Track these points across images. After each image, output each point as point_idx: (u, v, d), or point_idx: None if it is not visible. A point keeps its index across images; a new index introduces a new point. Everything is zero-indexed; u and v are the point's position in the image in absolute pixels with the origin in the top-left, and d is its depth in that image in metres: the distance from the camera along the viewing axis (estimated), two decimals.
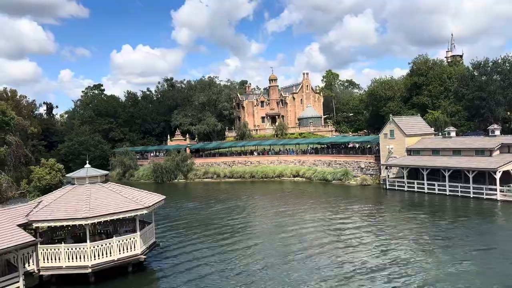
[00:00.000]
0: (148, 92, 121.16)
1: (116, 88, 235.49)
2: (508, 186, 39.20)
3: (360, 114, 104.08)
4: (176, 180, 72.83)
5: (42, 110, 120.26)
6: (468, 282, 19.25)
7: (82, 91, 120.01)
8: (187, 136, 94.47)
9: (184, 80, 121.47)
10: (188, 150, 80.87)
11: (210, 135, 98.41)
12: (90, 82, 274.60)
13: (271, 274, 21.83)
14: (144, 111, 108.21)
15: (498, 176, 38.76)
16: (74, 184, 23.42)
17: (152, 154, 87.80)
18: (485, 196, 39.73)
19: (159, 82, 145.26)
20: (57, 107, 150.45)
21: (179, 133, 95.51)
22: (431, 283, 19.30)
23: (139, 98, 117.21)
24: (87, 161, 26.09)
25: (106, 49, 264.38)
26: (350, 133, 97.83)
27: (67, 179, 26.91)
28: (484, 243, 25.61)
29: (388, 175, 51.50)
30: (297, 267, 22.85)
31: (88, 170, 23.82)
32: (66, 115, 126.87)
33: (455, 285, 18.94)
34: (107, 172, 27.34)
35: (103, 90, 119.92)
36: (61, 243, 21.49)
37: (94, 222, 21.74)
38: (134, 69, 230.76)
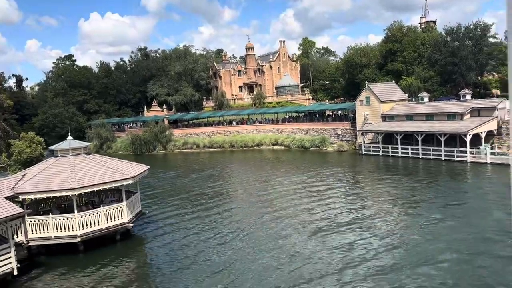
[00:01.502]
0: (121, 62, 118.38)
1: (86, 59, 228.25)
2: (478, 148, 41.18)
3: (337, 81, 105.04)
4: (155, 152, 72.80)
5: (12, 82, 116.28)
6: (441, 234, 20.74)
7: (53, 62, 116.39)
8: (164, 106, 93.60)
9: (159, 49, 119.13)
10: (166, 121, 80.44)
11: (188, 106, 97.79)
12: (59, 53, 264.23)
13: (250, 235, 23.09)
14: (118, 81, 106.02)
15: (468, 139, 40.60)
16: (58, 156, 23.48)
17: (129, 126, 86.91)
18: (456, 158, 41.68)
19: (132, 52, 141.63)
20: (26, 79, 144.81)
21: (156, 104, 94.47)
22: (404, 238, 20.70)
23: (112, 68, 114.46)
24: (69, 133, 26.02)
25: (74, 17, 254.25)
26: (327, 101, 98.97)
27: (49, 152, 26.85)
28: (455, 200, 27.31)
29: (364, 141, 53.03)
30: (273, 225, 24.32)
31: (70, 142, 23.85)
32: (37, 87, 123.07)
33: (428, 238, 20.38)
34: (90, 143, 27.36)
35: (75, 61, 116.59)
36: (48, 215, 21.79)
37: (81, 193, 22.01)
38: (104, 38, 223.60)
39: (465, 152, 41.10)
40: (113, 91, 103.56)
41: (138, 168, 24.78)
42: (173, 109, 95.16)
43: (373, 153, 50.32)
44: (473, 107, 44.59)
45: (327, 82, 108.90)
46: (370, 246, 20.12)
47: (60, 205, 25.47)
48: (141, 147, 72.31)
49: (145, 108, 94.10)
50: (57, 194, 21.28)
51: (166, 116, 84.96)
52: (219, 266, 19.00)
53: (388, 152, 48.52)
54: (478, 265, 16.97)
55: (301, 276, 17.36)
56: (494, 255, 17.71)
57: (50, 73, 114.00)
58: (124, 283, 18.20)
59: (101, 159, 24.23)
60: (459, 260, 17.66)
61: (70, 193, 20.68)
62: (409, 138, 47.65)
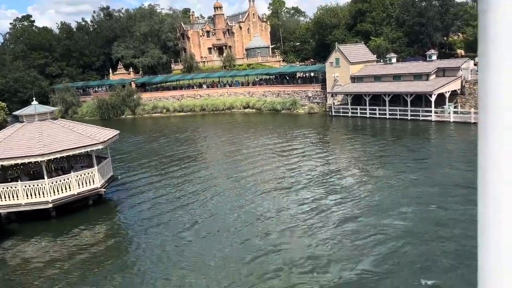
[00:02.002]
0: (83, 23, 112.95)
1: (45, 19, 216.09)
2: (442, 108, 42.64)
3: (307, 43, 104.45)
4: (123, 116, 71.30)
5: None
6: (405, 189, 21.81)
7: (10, 23, 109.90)
8: (131, 69, 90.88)
9: (122, 8, 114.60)
10: (133, 85, 78.38)
11: (155, 68, 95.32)
12: (15, 13, 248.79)
13: (221, 194, 23.72)
14: (81, 43, 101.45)
15: (433, 98, 41.88)
16: (23, 122, 22.73)
17: (94, 90, 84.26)
18: (421, 118, 43.10)
19: (94, 12, 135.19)
20: None
21: (122, 66, 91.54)
22: (370, 192, 21.67)
23: (74, 29, 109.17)
24: (33, 98, 25.11)
25: None
26: (298, 62, 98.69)
27: (14, 118, 25.92)
28: (419, 157, 28.56)
29: (334, 103, 53.75)
30: (244, 185, 25.06)
31: (36, 107, 23.07)
32: None
33: (393, 192, 21.41)
34: (56, 108, 26.57)
35: (33, 21, 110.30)
36: (16, 182, 21.35)
37: (50, 159, 21.59)
38: None
39: (430, 111, 42.49)
40: (76, 53, 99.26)
41: (107, 133, 24.40)
42: (140, 72, 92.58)
43: (343, 114, 51.21)
44: (438, 68, 45.71)
45: (297, 44, 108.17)
46: (337, 200, 21.09)
47: (29, 171, 24.92)
48: (109, 111, 70.56)
49: (111, 71, 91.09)
50: (26, 161, 20.81)
51: (133, 79, 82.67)
52: (190, 224, 19.55)
53: (356, 113, 49.50)
54: (439, 215, 18.10)
55: (270, 228, 18.15)
56: (455, 205, 18.87)
57: (7, 35, 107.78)
58: (99, 246, 18.40)
59: (68, 124, 23.66)
60: (421, 211, 18.76)
61: (39, 159, 20.25)
62: (377, 99, 48.63)
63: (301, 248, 16.41)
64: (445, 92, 42.79)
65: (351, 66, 53.10)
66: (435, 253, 14.98)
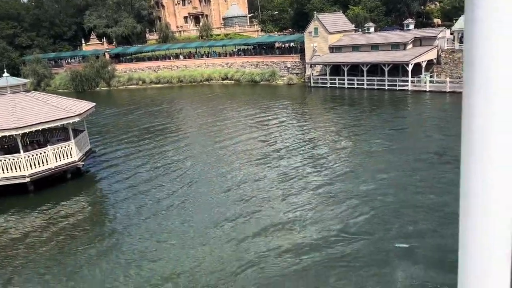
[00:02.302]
0: None
1: None
2: (418, 77, 43.23)
3: (285, 12, 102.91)
4: (98, 88, 69.59)
5: None
6: (382, 156, 22.36)
7: None
8: (104, 40, 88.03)
9: None
10: (107, 56, 76.17)
11: (130, 39, 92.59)
12: None
13: (199, 165, 23.79)
14: (51, 12, 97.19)
15: (410, 68, 42.36)
16: None
17: (67, 61, 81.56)
18: (398, 88, 43.66)
19: None
20: None
21: (95, 36, 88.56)
22: (348, 160, 22.14)
23: None
24: (4, 70, 24.18)
25: None
26: (276, 32, 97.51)
27: None
28: (396, 126, 29.16)
29: (312, 73, 53.72)
30: (222, 155, 25.28)
31: (8, 79, 22.25)
32: None
33: (371, 160, 21.92)
34: (28, 80, 25.73)
35: None
36: None
37: (25, 133, 21.07)
38: None
39: (407, 81, 43.04)
40: (46, 23, 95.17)
41: (83, 106, 23.88)
42: (114, 42, 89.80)
43: (321, 85, 51.34)
44: (415, 37, 46.01)
45: (275, 13, 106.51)
46: (314, 167, 21.56)
47: (3, 146, 24.30)
48: (83, 84, 68.67)
49: (83, 42, 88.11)
50: (0, 134, 20.23)
51: (107, 50, 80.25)
52: (168, 194, 19.76)
53: (335, 83, 49.70)
54: (415, 181, 18.71)
55: (248, 195, 18.55)
56: (430, 171, 19.51)
57: None
58: (77, 218, 18.44)
59: (43, 97, 23.01)
60: (397, 177, 19.34)
61: (13, 132, 19.74)
62: (355, 69, 48.84)
63: (279, 213, 16.82)
64: (422, 62, 43.29)
65: (329, 35, 52.85)
66: (411, 217, 15.58)
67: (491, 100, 0.80)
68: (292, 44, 63.75)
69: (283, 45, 66.96)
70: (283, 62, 59.64)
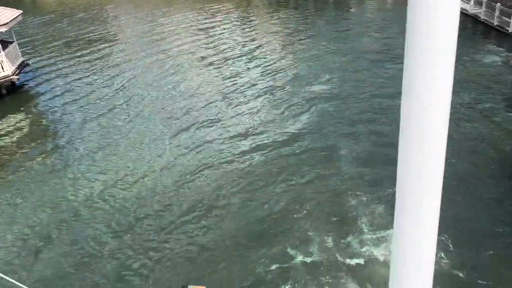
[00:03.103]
0: None
1: None
2: None
3: None
4: None
5: None
6: (330, 57, 22.77)
7: None
8: None
9: None
10: None
11: None
12: None
13: (138, 75, 23.06)
14: None
15: None
16: None
17: None
18: None
19: None
20: None
21: None
22: (293, 63, 22.45)
23: None
24: None
25: None
26: None
27: None
28: (340, 28, 29.46)
29: None
30: (162, 63, 24.57)
31: None
32: None
33: (314, 62, 22.31)
34: None
35: None
36: None
37: None
38: None
39: None
40: None
41: (9, 14, 21.55)
42: None
43: None
44: None
45: None
46: (261, 72, 21.77)
47: None
48: None
49: None
50: None
51: None
52: (109, 106, 19.34)
53: None
54: (360, 77, 19.64)
55: (194, 103, 18.72)
56: (373, 69, 20.40)
57: None
58: (18, 137, 17.71)
59: None
60: (343, 76, 20.18)
61: None
62: None
63: (229, 117, 17.17)
64: None
65: None
66: (358, 109, 16.62)
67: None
68: None
69: None
70: None
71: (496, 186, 12.36)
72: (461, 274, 9.56)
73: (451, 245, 10.09)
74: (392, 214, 1.22)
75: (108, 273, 10.46)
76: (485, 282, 9.37)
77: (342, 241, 10.62)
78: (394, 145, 1.09)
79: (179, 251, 10.88)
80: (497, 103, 16.87)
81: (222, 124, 16.76)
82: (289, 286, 9.57)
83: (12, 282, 5.15)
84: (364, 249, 10.30)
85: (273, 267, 10.10)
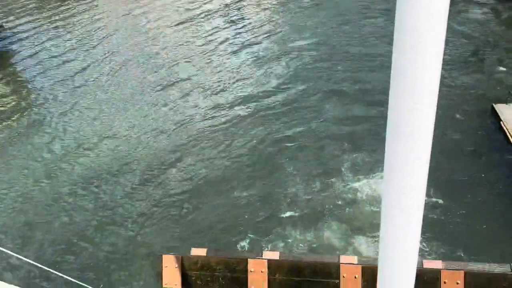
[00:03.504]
0: None
1: None
2: None
3: None
4: None
5: None
6: (311, 12, 21.96)
7: None
8: None
9: None
10: None
11: None
12: None
13: (111, 36, 21.97)
14: None
15: None
16: None
17: None
18: None
19: None
20: None
21: None
22: (274, 19, 21.66)
23: None
24: None
25: None
26: None
27: None
28: None
29: None
30: (136, 22, 23.55)
31: None
32: None
33: (298, 17, 21.56)
34: None
35: None
36: None
37: None
38: None
39: None
40: None
41: None
42: None
43: None
44: None
45: None
46: (239, 29, 20.84)
47: None
48: None
49: None
50: None
51: None
52: (87, 65, 18.73)
53: None
54: (342, 32, 19.21)
55: (172, 61, 18.02)
56: (356, 24, 19.91)
57: None
58: None
59: None
60: (326, 31, 19.60)
61: None
62: None
63: (209, 75, 16.72)
64: None
65: None
66: (340, 65, 16.37)
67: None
68: None
69: None
70: None
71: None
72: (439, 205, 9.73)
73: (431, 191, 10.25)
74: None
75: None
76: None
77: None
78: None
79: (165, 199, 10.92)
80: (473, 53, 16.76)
81: (200, 79, 16.34)
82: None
83: (5, 252, 4.90)
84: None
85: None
